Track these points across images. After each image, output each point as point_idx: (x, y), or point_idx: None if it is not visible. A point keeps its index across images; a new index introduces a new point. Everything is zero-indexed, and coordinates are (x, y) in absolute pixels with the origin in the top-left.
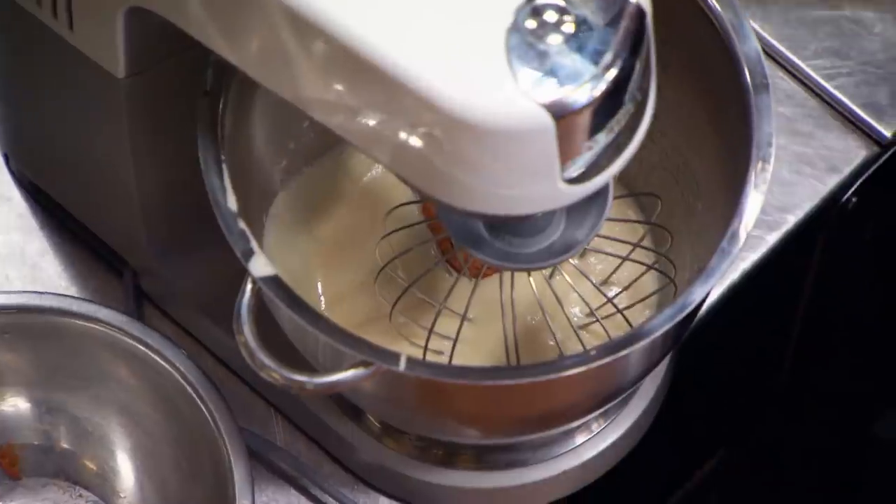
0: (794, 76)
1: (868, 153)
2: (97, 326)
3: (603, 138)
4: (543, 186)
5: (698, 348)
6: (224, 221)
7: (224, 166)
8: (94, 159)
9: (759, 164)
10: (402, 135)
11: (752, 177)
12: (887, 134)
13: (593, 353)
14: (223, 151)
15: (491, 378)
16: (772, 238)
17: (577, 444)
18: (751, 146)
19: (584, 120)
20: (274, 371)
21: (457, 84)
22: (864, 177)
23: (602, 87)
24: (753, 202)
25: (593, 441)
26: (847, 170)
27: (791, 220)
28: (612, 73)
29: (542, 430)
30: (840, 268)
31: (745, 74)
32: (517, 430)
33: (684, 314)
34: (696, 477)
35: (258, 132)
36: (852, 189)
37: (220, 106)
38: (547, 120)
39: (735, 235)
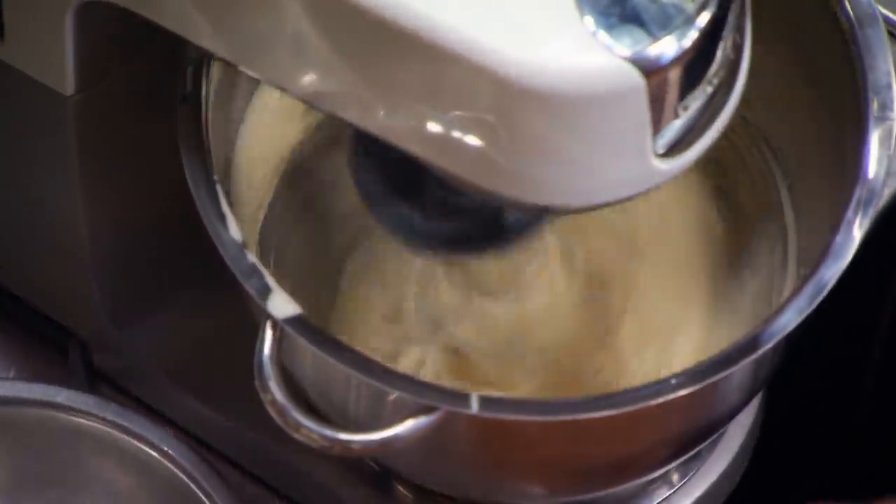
0: None
1: None
2: (58, 414)
3: (699, 97)
4: (633, 165)
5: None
6: (229, 255)
7: (218, 187)
8: (28, 201)
9: (875, 108)
10: (447, 119)
11: (870, 129)
12: None
13: (709, 364)
14: (214, 169)
15: (596, 408)
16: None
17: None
18: (863, 94)
19: (680, 75)
20: (313, 432)
21: (515, 42)
22: None
23: (697, 32)
24: (877, 160)
25: (678, 495)
26: None
27: (885, 193)
28: (709, 12)
29: (632, 478)
30: None
31: (844, 4)
32: (600, 480)
33: (813, 306)
34: None
35: (241, 146)
36: None
37: (205, 112)
38: (636, 77)
39: (860, 202)
